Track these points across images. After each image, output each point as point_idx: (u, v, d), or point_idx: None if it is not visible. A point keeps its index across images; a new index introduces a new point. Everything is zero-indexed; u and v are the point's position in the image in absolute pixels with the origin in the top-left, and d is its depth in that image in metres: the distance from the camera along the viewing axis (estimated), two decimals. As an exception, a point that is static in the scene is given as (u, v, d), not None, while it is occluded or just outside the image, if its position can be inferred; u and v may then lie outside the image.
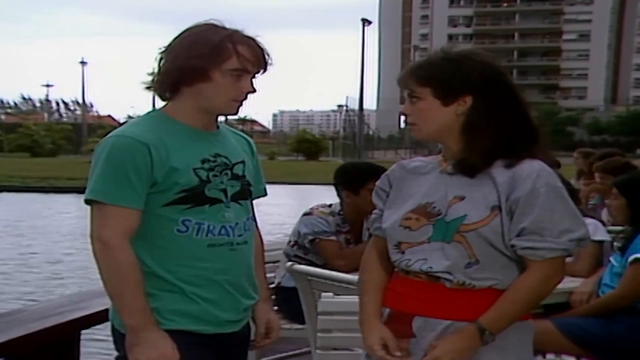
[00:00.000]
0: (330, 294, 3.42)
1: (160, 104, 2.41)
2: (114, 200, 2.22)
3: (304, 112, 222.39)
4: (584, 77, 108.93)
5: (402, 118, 2.24)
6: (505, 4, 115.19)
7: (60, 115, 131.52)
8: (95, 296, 3.37)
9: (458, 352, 2.09)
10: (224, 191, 2.35)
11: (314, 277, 3.79)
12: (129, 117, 45.89)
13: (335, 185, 4.47)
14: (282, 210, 19.26)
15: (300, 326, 4.06)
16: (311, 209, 4.47)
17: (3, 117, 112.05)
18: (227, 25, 2.33)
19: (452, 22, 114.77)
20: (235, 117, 2.52)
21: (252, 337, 2.56)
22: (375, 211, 2.36)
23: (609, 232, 4.41)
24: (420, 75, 2.18)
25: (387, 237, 2.25)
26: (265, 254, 2.70)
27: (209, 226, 2.31)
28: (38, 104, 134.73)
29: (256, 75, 2.35)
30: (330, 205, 4.45)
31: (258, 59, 2.32)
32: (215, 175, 2.33)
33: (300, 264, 4.03)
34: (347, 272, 3.77)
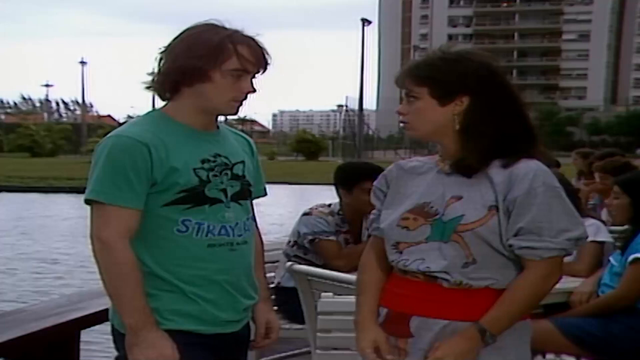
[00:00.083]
0: (330, 294, 3.42)
1: (160, 104, 2.41)
2: (114, 200, 2.22)
3: (304, 112, 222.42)
4: (583, 77, 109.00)
5: (399, 117, 2.23)
6: (505, 4, 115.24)
7: (60, 115, 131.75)
8: (95, 296, 3.38)
9: (460, 354, 2.09)
10: (224, 191, 2.35)
11: (313, 277, 3.79)
12: (129, 117, 45.96)
13: (335, 185, 4.48)
14: (282, 210, 19.26)
15: (299, 326, 4.06)
16: (310, 209, 4.47)
17: (3, 117, 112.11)
18: (227, 25, 2.33)
19: (452, 22, 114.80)
20: (235, 117, 2.51)
21: (251, 337, 2.56)
22: (373, 211, 2.36)
23: (611, 232, 4.40)
24: (417, 74, 2.18)
25: (385, 237, 2.25)
26: (265, 253, 2.70)
27: (208, 226, 2.31)
28: (38, 104, 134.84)
29: (256, 75, 2.35)
30: (329, 205, 4.45)
31: (258, 59, 2.32)
32: (215, 175, 2.33)
33: (299, 263, 4.03)
34: (346, 272, 3.77)
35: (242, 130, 3.19)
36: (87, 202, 2.27)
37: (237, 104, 2.36)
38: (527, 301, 2.13)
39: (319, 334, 3.31)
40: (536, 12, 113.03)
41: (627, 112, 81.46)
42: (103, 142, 2.30)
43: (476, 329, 2.09)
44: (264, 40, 2.34)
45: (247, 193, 2.44)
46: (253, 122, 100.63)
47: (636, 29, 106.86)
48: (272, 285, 4.21)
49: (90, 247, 2.26)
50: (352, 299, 2.43)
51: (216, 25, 2.32)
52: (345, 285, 3.52)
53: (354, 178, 4.31)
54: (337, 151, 68.26)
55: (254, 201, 2.53)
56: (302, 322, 3.93)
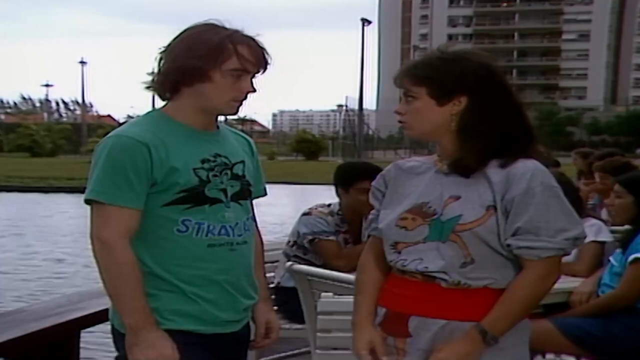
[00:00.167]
0: (330, 293, 3.42)
1: (160, 104, 2.41)
2: (114, 200, 2.22)
3: (304, 112, 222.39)
4: (583, 77, 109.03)
5: (397, 117, 2.23)
6: (505, 4, 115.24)
7: (60, 115, 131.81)
8: (95, 296, 3.38)
9: (462, 356, 2.09)
10: (224, 191, 2.35)
11: (313, 277, 3.79)
12: (129, 117, 45.98)
13: (334, 184, 4.49)
14: (282, 210, 19.25)
15: (299, 326, 4.06)
16: (310, 209, 4.48)
17: (2, 117, 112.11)
18: (227, 25, 2.33)
19: (452, 22, 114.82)
20: (235, 117, 2.51)
21: (251, 337, 2.56)
22: (372, 212, 2.36)
23: (612, 232, 4.40)
24: (415, 74, 2.19)
25: (383, 237, 2.25)
26: (265, 253, 2.70)
27: (208, 226, 2.31)
28: (38, 104, 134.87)
29: (256, 75, 2.35)
30: (329, 205, 4.45)
31: (258, 59, 2.32)
32: (215, 175, 2.33)
33: (299, 263, 4.03)
34: (346, 272, 3.77)
35: (242, 130, 3.20)
36: (87, 202, 2.27)
37: (237, 103, 2.35)
38: (526, 301, 2.13)
39: (318, 334, 3.31)
40: (536, 12, 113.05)
41: (627, 112, 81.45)
42: (103, 142, 2.30)
43: (477, 331, 2.09)
44: (264, 40, 2.35)
45: (247, 193, 2.44)
46: (253, 122, 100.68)
47: (636, 29, 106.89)
48: (272, 285, 4.21)
49: (90, 247, 2.26)
50: (352, 299, 2.43)
51: (216, 25, 2.32)
52: (345, 285, 3.52)
53: (352, 178, 4.32)
54: (337, 151, 68.27)
55: (254, 201, 2.53)
56: (302, 322, 3.93)
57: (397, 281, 2.23)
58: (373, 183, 2.37)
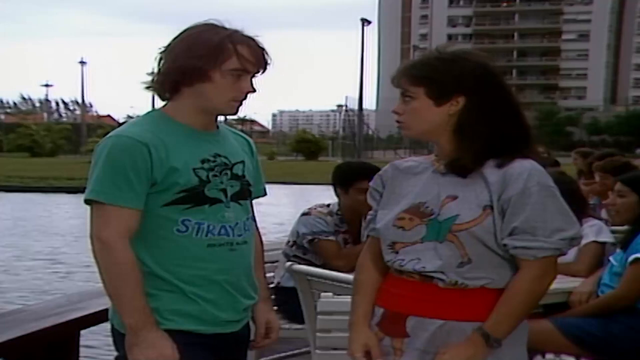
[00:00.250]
0: (330, 293, 3.42)
1: (160, 104, 2.41)
2: (114, 200, 2.22)
3: (304, 112, 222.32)
4: (583, 77, 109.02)
5: (395, 117, 2.24)
6: (505, 4, 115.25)
7: (60, 115, 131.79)
8: (94, 296, 3.38)
9: (466, 359, 2.09)
10: (224, 191, 2.35)
11: (313, 277, 3.79)
12: (129, 117, 45.96)
13: (333, 184, 4.49)
14: (282, 210, 19.25)
15: (299, 326, 4.06)
16: (309, 209, 4.48)
17: (2, 117, 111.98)
18: (227, 25, 2.33)
19: (452, 22, 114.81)
20: (235, 117, 2.51)
21: (251, 337, 2.56)
22: (370, 212, 2.36)
23: (612, 232, 4.39)
24: (413, 74, 2.19)
25: (381, 237, 2.26)
26: (265, 253, 2.70)
27: (208, 226, 2.31)
28: (37, 104, 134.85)
29: (256, 75, 2.35)
30: (328, 205, 4.46)
31: (258, 59, 2.32)
32: (215, 175, 2.33)
33: (299, 263, 4.03)
34: (346, 272, 3.77)
35: (242, 130, 3.20)
36: (87, 202, 2.26)
37: (237, 103, 2.36)
38: (525, 302, 2.13)
39: (318, 334, 3.31)
40: (536, 12, 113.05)
41: (626, 112, 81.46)
42: (103, 142, 2.30)
43: (480, 334, 2.09)
44: (264, 41, 2.35)
45: (246, 193, 2.44)
46: (253, 122, 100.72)
47: (636, 29, 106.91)
48: (271, 285, 4.21)
49: (90, 247, 2.26)
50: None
51: (216, 25, 2.32)
52: (345, 285, 3.52)
53: (351, 178, 4.31)
54: (337, 151, 68.27)
55: (254, 201, 2.53)
56: (301, 322, 3.93)
57: (395, 281, 2.23)
58: (370, 183, 2.38)
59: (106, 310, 2.45)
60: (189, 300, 2.31)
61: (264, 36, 2.35)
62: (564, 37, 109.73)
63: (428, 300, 2.15)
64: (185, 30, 2.34)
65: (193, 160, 2.30)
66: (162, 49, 2.34)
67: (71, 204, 22.80)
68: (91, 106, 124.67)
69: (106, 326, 2.47)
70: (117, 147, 2.25)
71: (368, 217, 2.37)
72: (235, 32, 2.31)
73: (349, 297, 2.45)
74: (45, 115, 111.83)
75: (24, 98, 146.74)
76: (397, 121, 2.23)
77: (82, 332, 3.34)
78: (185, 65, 2.27)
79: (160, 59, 2.33)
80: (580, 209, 4.26)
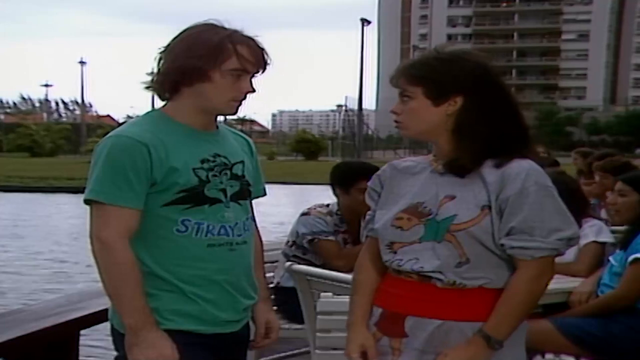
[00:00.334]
0: (329, 293, 3.42)
1: (159, 104, 2.41)
2: (114, 200, 2.22)
3: (303, 112, 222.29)
4: (583, 77, 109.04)
5: (393, 117, 2.24)
6: (504, 4, 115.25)
7: (60, 115, 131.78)
8: (94, 296, 3.38)
9: None
10: (224, 191, 2.35)
11: (313, 277, 3.78)
12: (128, 117, 45.96)
13: (331, 185, 4.48)
14: (282, 210, 19.25)
15: (299, 326, 4.06)
16: (309, 209, 4.47)
17: (2, 117, 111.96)
18: (227, 25, 2.33)
19: (451, 22, 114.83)
20: (235, 117, 2.52)
21: (251, 337, 2.56)
22: (369, 212, 2.36)
23: (612, 232, 4.39)
24: (411, 74, 2.19)
25: (379, 237, 2.26)
26: (264, 253, 2.70)
27: (208, 226, 2.31)
28: (37, 104, 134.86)
29: (255, 75, 2.35)
30: (327, 205, 4.45)
31: (258, 59, 2.32)
32: (215, 175, 2.33)
33: (298, 263, 4.03)
34: (346, 272, 3.77)
35: (242, 130, 3.20)
36: (86, 202, 2.26)
37: (236, 103, 2.35)
38: (524, 302, 2.13)
39: (318, 334, 3.31)
40: (536, 12, 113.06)
41: (626, 112, 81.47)
42: (102, 142, 2.30)
43: (480, 336, 2.10)
44: (264, 41, 2.35)
45: (246, 193, 2.44)
46: (252, 122, 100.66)
47: (635, 29, 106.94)
48: (271, 285, 4.21)
49: (90, 247, 2.26)
50: (351, 299, 2.44)
51: (216, 25, 2.32)
52: (345, 285, 3.52)
53: (352, 178, 4.31)
54: (337, 151, 68.25)
55: (254, 201, 2.53)
56: (301, 322, 3.93)
57: (393, 281, 2.23)
58: (369, 183, 2.38)
59: (106, 310, 2.45)
60: (188, 300, 2.31)
61: (264, 36, 2.35)
62: (564, 37, 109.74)
63: (426, 300, 2.15)
64: (184, 30, 2.34)
65: (193, 160, 2.30)
66: (162, 49, 2.34)
67: (71, 204, 22.79)
68: (91, 106, 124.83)
69: (106, 326, 2.47)
70: (116, 147, 2.25)
71: (366, 217, 2.37)
72: (235, 32, 2.31)
73: (349, 297, 2.45)
74: (45, 115, 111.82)
75: (23, 98, 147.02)
76: (395, 121, 2.23)
77: (82, 332, 3.34)
78: (184, 65, 2.27)
79: (160, 59, 2.33)
80: (581, 208, 4.26)
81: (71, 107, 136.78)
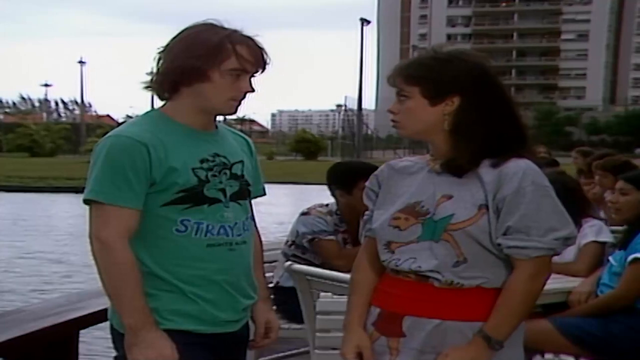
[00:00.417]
0: (329, 293, 3.42)
1: (159, 103, 2.41)
2: (113, 200, 2.22)
3: (303, 111, 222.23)
4: (582, 77, 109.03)
5: (390, 116, 2.24)
6: (504, 4, 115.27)
7: (59, 115, 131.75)
8: (94, 296, 3.38)
9: None
10: (223, 191, 2.35)
11: (312, 276, 3.78)
12: (128, 117, 45.93)
13: (329, 185, 4.46)
14: (281, 210, 19.25)
15: (298, 326, 4.06)
16: (308, 208, 4.47)
17: (2, 117, 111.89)
18: (226, 25, 2.33)
19: (451, 22, 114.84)
20: (234, 116, 2.52)
21: (251, 337, 2.56)
22: (367, 212, 2.37)
23: (612, 232, 4.40)
24: (409, 74, 2.19)
25: (377, 237, 2.26)
26: (264, 253, 2.70)
27: (207, 226, 2.31)
28: (37, 104, 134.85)
29: (255, 75, 2.35)
30: (327, 205, 4.45)
31: (257, 59, 2.32)
32: (214, 175, 2.33)
33: (298, 263, 4.02)
34: (346, 272, 3.77)
35: (241, 130, 3.20)
36: (86, 202, 2.26)
37: (235, 103, 2.35)
38: (523, 302, 2.13)
39: (317, 334, 3.32)
40: (535, 12, 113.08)
41: (625, 111, 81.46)
42: (102, 142, 2.30)
43: (481, 337, 2.10)
44: (264, 40, 2.35)
45: (246, 193, 2.44)
46: (252, 121, 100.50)
47: (635, 29, 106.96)
48: (271, 285, 4.21)
49: (90, 247, 2.26)
50: (350, 299, 2.44)
51: (215, 25, 2.32)
52: (344, 285, 3.51)
53: (353, 179, 4.29)
54: (336, 151, 68.24)
55: (253, 201, 2.53)
56: (301, 321, 3.93)
57: (391, 281, 2.23)
58: (366, 183, 2.38)
59: (105, 310, 2.45)
60: (188, 300, 2.31)
61: (264, 36, 2.35)
62: (563, 37, 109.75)
63: (424, 300, 2.15)
64: (184, 30, 2.34)
65: (192, 160, 2.30)
66: (161, 48, 2.34)
67: (71, 203, 22.78)
68: (90, 106, 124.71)
69: (105, 326, 2.47)
70: (116, 147, 2.25)
71: (364, 217, 2.38)
72: (235, 31, 2.31)
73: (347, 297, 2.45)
74: (44, 115, 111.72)
75: (23, 98, 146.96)
76: (393, 120, 2.23)
77: (82, 332, 3.34)
78: (184, 65, 2.27)
79: (159, 58, 2.33)
80: (581, 208, 4.27)
81: (71, 107, 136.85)
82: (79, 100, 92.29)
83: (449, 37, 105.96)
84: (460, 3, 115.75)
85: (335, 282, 3.66)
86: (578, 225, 4.11)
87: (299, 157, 65.26)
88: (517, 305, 2.12)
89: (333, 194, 4.43)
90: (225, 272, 2.35)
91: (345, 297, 3.14)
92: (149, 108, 2.45)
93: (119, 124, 2.61)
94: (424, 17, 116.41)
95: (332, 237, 4.30)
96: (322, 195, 4.67)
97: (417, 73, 2.17)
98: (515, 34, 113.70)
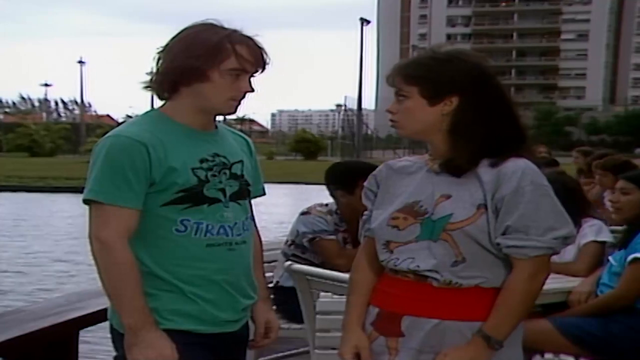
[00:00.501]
0: (329, 293, 3.42)
1: (158, 103, 2.41)
2: (113, 200, 2.22)
3: (303, 111, 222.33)
4: (582, 76, 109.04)
5: (388, 116, 2.24)
6: (504, 4, 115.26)
7: (59, 114, 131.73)
8: (93, 296, 3.37)
9: None
10: (223, 191, 2.35)
11: (312, 276, 3.78)
12: (128, 116, 45.89)
13: (328, 185, 4.45)
14: (281, 210, 19.25)
15: (298, 326, 4.06)
16: (308, 208, 4.46)
17: (1, 116, 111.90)
18: (226, 25, 2.32)
19: (451, 22, 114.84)
20: (234, 116, 2.52)
21: (251, 337, 2.56)
22: (365, 212, 2.37)
23: (612, 232, 4.39)
24: (407, 74, 2.19)
25: (376, 237, 2.26)
26: (264, 253, 2.70)
27: (207, 226, 2.31)
28: (37, 104, 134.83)
29: (254, 75, 2.35)
30: (326, 205, 4.44)
31: (257, 59, 2.32)
32: (214, 175, 2.33)
33: (298, 263, 4.02)
34: (346, 272, 3.76)
35: (241, 130, 3.19)
36: (85, 202, 2.26)
37: (235, 103, 2.35)
38: (523, 301, 2.13)
39: (317, 334, 3.32)
40: (535, 11, 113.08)
41: (625, 111, 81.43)
42: (101, 142, 2.29)
43: (480, 336, 2.10)
44: (263, 40, 2.34)
45: (245, 193, 2.44)
46: (252, 121, 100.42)
47: (635, 29, 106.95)
48: (270, 285, 4.21)
49: (89, 247, 2.26)
50: (350, 299, 2.44)
51: (214, 25, 2.32)
52: (344, 285, 3.50)
53: (354, 179, 4.28)
54: (336, 151, 68.21)
55: (253, 201, 2.53)
56: (300, 321, 3.93)
57: (390, 281, 2.23)
58: (365, 183, 2.38)
59: (105, 310, 2.45)
60: (188, 300, 2.31)
61: (263, 36, 2.35)
62: (563, 37, 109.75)
63: (423, 300, 2.15)
64: (183, 30, 2.33)
65: (192, 160, 2.30)
66: (161, 48, 2.34)
67: (71, 203, 22.78)
68: (90, 106, 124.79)
69: (105, 326, 2.47)
70: (115, 147, 2.24)
71: (363, 217, 2.38)
72: (234, 31, 2.31)
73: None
74: (44, 115, 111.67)
75: (23, 98, 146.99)
76: (391, 120, 2.23)
77: (81, 331, 3.34)
78: (183, 65, 2.27)
79: (159, 58, 2.33)
80: (581, 208, 4.27)
81: (70, 107, 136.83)
82: (78, 100, 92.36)
83: (448, 37, 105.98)
84: (460, 3, 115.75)
85: (335, 282, 3.66)
86: (578, 225, 4.11)
87: (298, 157, 65.23)
88: (516, 304, 2.12)
89: (332, 194, 4.42)
90: (225, 272, 2.35)
91: (345, 297, 3.15)
92: (148, 108, 2.45)
93: (119, 124, 2.61)
94: (423, 17, 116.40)
95: (332, 236, 4.30)
96: (322, 195, 4.67)
97: (415, 73, 2.17)
98: (515, 34, 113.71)
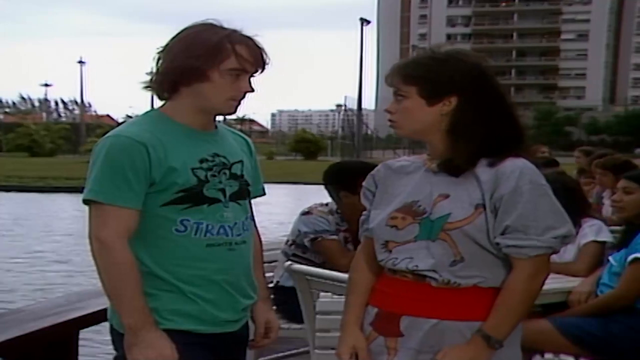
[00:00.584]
0: (329, 293, 3.42)
1: (158, 103, 2.41)
2: (112, 200, 2.22)
3: (303, 111, 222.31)
4: (582, 76, 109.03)
5: (387, 116, 2.24)
6: (504, 4, 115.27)
7: (59, 114, 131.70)
8: (93, 296, 3.38)
9: None
10: (223, 191, 2.35)
11: (312, 276, 3.78)
12: (128, 117, 45.90)
13: (327, 185, 4.44)
14: (281, 210, 19.25)
15: (298, 326, 4.05)
16: (309, 208, 4.46)
17: (1, 116, 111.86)
18: (225, 25, 2.32)
19: (451, 22, 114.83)
20: (234, 116, 2.52)
21: (251, 337, 2.56)
22: (364, 212, 2.37)
23: (612, 232, 4.40)
24: (406, 73, 2.19)
25: (374, 237, 2.26)
26: (264, 253, 2.70)
27: (207, 226, 2.31)
28: (37, 104, 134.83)
29: (254, 75, 2.35)
30: (327, 205, 4.44)
31: (256, 59, 2.32)
32: (214, 175, 2.33)
33: (298, 262, 4.02)
34: (346, 272, 3.76)
35: (241, 130, 3.19)
36: (85, 202, 2.26)
37: (235, 103, 2.35)
38: (522, 301, 2.13)
39: (317, 334, 3.32)
40: (535, 11, 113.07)
41: (625, 111, 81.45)
42: (101, 142, 2.29)
43: (480, 336, 2.10)
44: (263, 40, 2.35)
45: (245, 193, 2.44)
46: (252, 121, 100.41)
47: (635, 29, 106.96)
48: (271, 285, 4.21)
49: (89, 247, 2.26)
50: (350, 299, 2.44)
51: (214, 25, 2.32)
52: (344, 285, 3.51)
53: (356, 178, 4.26)
54: (336, 151, 68.21)
55: (253, 201, 2.53)
56: (300, 321, 3.93)
57: (389, 281, 2.24)
58: (363, 183, 2.38)
59: (105, 310, 2.45)
60: (188, 300, 2.31)
61: (263, 36, 2.35)
62: (563, 37, 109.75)
63: (422, 300, 2.15)
64: (183, 30, 2.34)
65: (191, 160, 2.30)
66: (161, 48, 2.34)
67: (71, 203, 22.78)
68: (90, 106, 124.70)
69: (105, 326, 2.47)
70: (115, 147, 2.24)
71: (362, 217, 2.38)
72: (234, 31, 2.31)
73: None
74: (44, 115, 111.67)
75: (23, 98, 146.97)
76: (390, 120, 2.24)
77: (81, 331, 3.34)
78: (183, 65, 2.27)
79: (159, 58, 2.33)
80: (581, 208, 4.27)
81: (70, 107, 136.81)
82: (78, 100, 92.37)
83: (448, 37, 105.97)
84: (460, 3, 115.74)
85: (335, 282, 3.65)
86: (578, 225, 4.11)
87: (298, 157, 65.21)
88: (516, 304, 2.12)
89: (332, 195, 4.41)
90: (225, 272, 2.35)
91: (344, 297, 3.15)
92: (148, 108, 2.45)
93: (119, 124, 2.61)
94: (423, 17, 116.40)
95: (334, 236, 4.30)
96: (321, 195, 4.66)
97: (414, 73, 2.17)
98: (515, 34, 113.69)
